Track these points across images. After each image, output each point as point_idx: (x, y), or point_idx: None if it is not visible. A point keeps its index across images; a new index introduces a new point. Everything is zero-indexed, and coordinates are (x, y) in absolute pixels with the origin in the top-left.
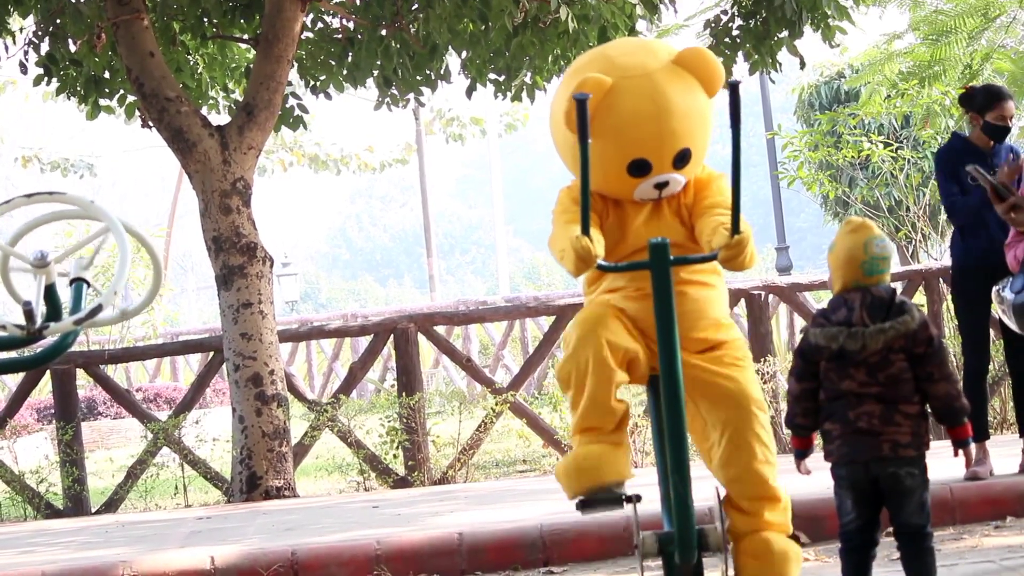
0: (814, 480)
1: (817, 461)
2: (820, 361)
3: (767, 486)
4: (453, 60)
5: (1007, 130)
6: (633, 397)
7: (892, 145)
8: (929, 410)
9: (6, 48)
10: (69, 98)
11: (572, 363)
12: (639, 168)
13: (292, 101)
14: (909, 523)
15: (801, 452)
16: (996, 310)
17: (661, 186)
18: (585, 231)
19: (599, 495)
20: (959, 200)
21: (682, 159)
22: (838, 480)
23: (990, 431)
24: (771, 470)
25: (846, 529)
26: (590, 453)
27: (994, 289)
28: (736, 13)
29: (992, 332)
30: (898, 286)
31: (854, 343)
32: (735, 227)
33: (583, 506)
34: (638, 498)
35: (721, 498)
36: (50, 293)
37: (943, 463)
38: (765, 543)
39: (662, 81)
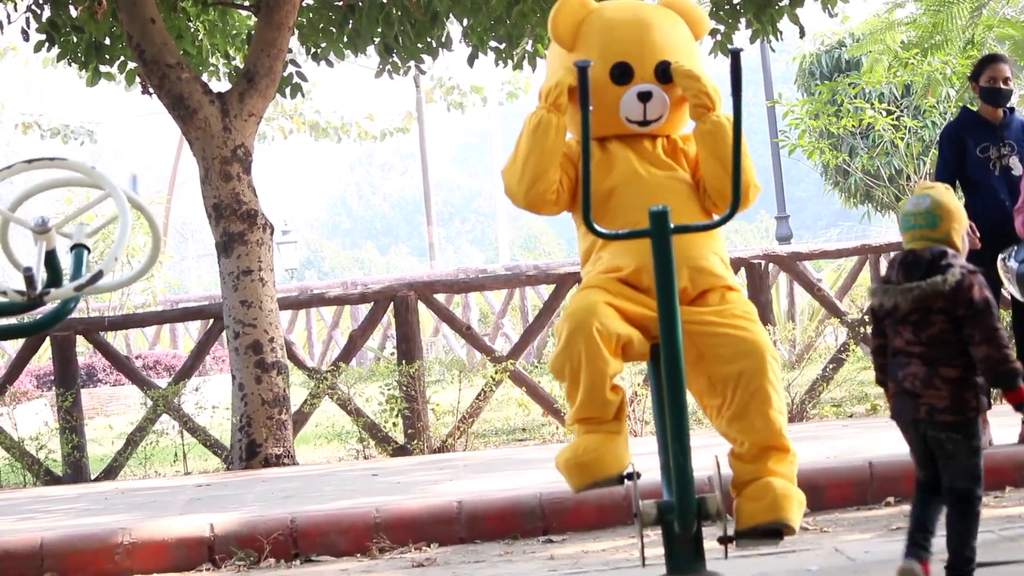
0: (815, 449)
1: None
2: (883, 318)
3: (780, 436)
4: (454, 28)
5: (1000, 92)
6: (633, 366)
7: (893, 114)
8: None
9: (8, 16)
10: (70, 64)
11: (565, 356)
12: (622, 73)
13: (291, 69)
14: (954, 486)
15: None
16: (1002, 279)
17: (644, 97)
18: (586, 195)
19: (605, 483)
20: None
21: (664, 72)
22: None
23: (991, 400)
24: (783, 420)
25: (916, 479)
26: (589, 446)
27: (999, 257)
28: None
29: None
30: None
31: (887, 300)
32: (736, 193)
33: (581, 491)
34: (637, 475)
35: (721, 466)
36: (51, 259)
37: None
38: (766, 485)
39: (646, 5)
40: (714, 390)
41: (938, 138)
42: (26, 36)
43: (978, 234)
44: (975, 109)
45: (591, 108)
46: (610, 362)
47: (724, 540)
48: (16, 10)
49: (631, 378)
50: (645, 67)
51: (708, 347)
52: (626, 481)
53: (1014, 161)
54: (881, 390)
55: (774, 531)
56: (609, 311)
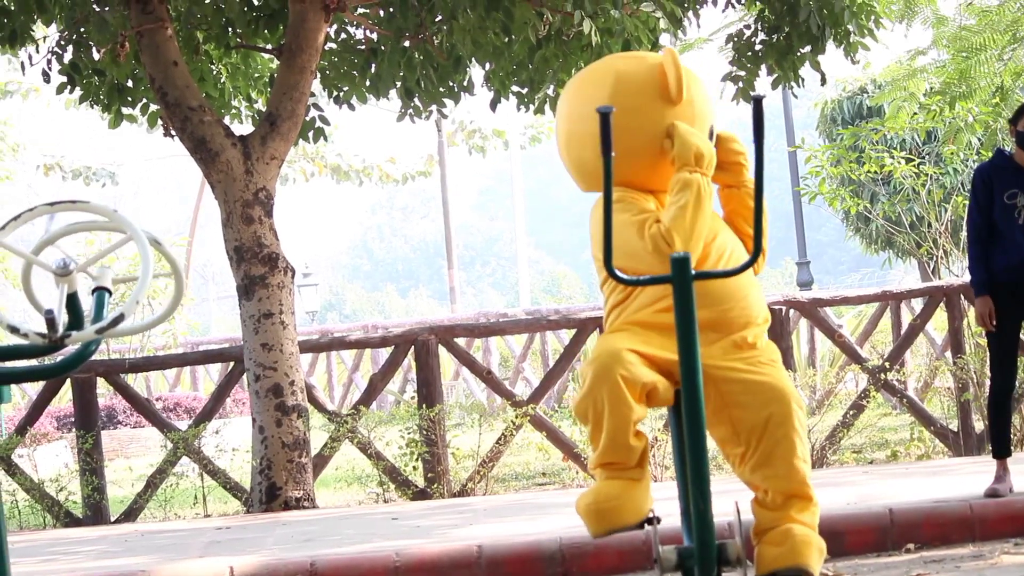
0: (835, 495)
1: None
2: None
3: (804, 484)
4: (476, 72)
5: None
6: (653, 411)
7: (914, 161)
8: None
9: (30, 58)
10: (92, 106)
11: (588, 400)
12: (711, 134)
13: (313, 112)
14: None
15: None
16: None
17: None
18: (608, 244)
19: (625, 530)
20: (970, 227)
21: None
22: None
23: (1012, 448)
24: (807, 468)
25: None
26: (611, 492)
27: None
28: (759, 28)
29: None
30: (919, 302)
31: None
32: (757, 243)
33: (601, 538)
34: (657, 520)
35: (740, 513)
36: (72, 302)
37: (964, 480)
38: (787, 531)
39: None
40: (738, 438)
41: (971, 178)
42: (47, 78)
43: (994, 320)
44: (1009, 152)
45: (613, 154)
46: (634, 408)
47: None
48: (38, 52)
49: (652, 423)
50: (715, 127)
51: (733, 394)
52: (646, 526)
53: None
54: (900, 436)
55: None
56: (634, 357)
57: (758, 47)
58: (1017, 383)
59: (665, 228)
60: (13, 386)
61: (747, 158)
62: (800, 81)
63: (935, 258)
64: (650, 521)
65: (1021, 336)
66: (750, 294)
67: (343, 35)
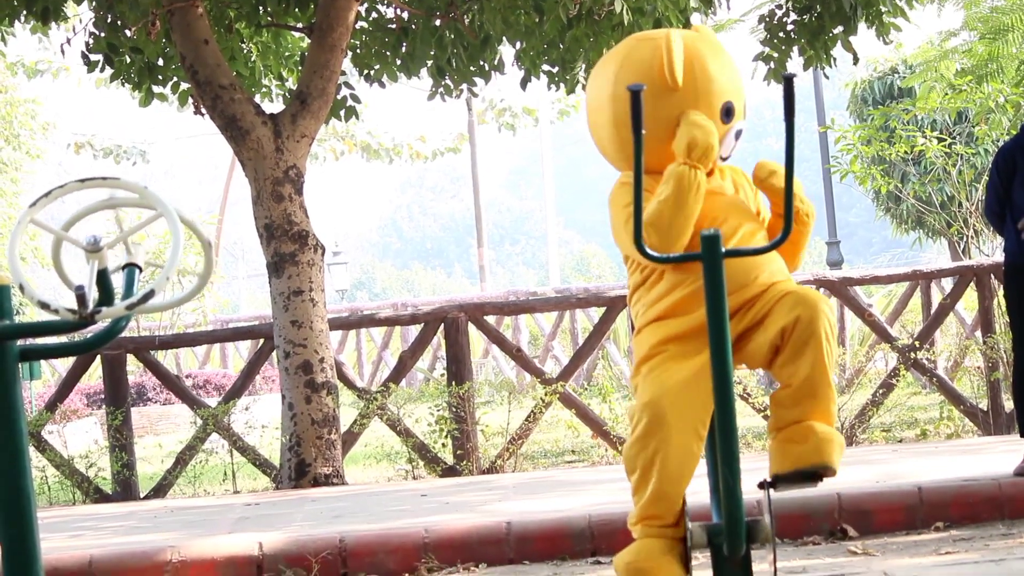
0: (864, 474)
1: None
2: None
3: (826, 386)
4: (507, 51)
5: None
6: None
7: (945, 141)
8: None
9: (68, 40)
10: (123, 85)
11: (638, 449)
12: (727, 112)
13: (344, 91)
14: None
15: None
16: None
17: (738, 135)
18: (638, 221)
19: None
20: (988, 208)
21: (736, 111)
22: None
23: None
24: (831, 369)
25: None
26: (651, 552)
27: None
28: (791, 8)
29: None
30: (948, 282)
31: None
32: (788, 220)
33: None
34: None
35: (770, 491)
36: (102, 278)
37: (993, 459)
38: (808, 428)
39: (716, 40)
40: (771, 342)
41: (994, 156)
42: (86, 59)
43: None
44: None
45: (644, 132)
46: (695, 458)
47: (765, 485)
48: (74, 31)
49: None
50: (740, 105)
51: (766, 316)
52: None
53: None
54: (930, 415)
55: (814, 474)
56: (689, 395)
57: (790, 27)
58: None
59: (644, 222)
60: (44, 363)
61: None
62: (832, 61)
63: (965, 238)
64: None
65: None
66: (774, 279)
67: (374, 14)
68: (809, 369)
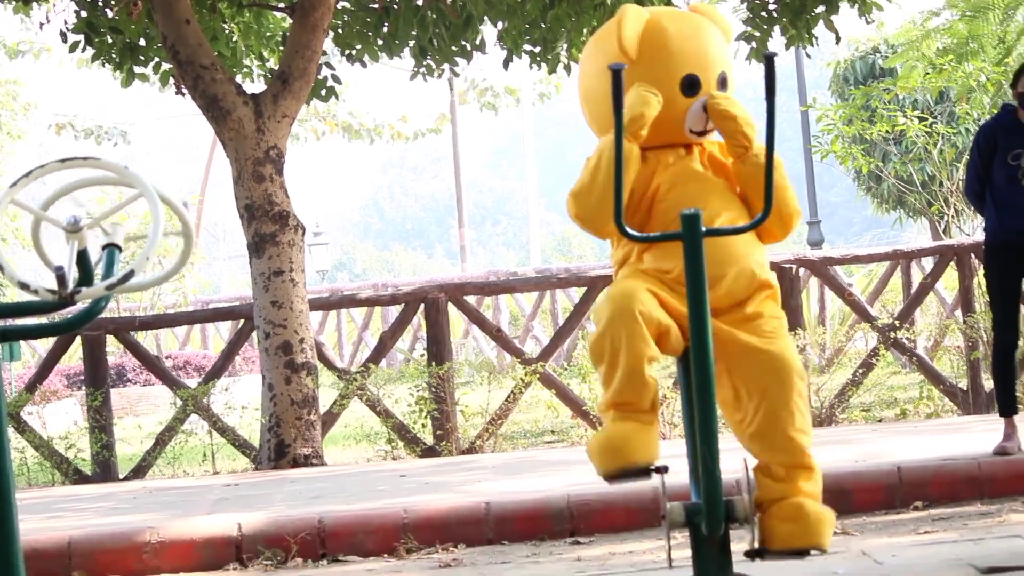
0: (843, 453)
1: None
2: None
3: (804, 455)
4: (489, 31)
5: None
6: (663, 368)
7: (926, 120)
8: None
9: (47, 18)
10: (104, 65)
11: (606, 337)
12: (690, 86)
13: (325, 71)
14: None
15: None
16: None
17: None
18: (618, 199)
19: (634, 473)
20: (968, 187)
21: (723, 83)
22: None
23: (1019, 406)
24: (807, 439)
25: None
26: (622, 432)
27: None
28: None
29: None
30: (929, 261)
31: None
32: (768, 200)
33: (610, 477)
34: (665, 469)
35: (750, 469)
36: (82, 258)
37: (973, 438)
38: (799, 506)
39: (691, 15)
40: (739, 403)
41: (975, 135)
42: (65, 38)
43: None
44: (1014, 107)
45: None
46: (650, 344)
47: (752, 555)
48: (54, 11)
49: (661, 381)
50: (710, 78)
51: (734, 358)
52: (653, 474)
53: None
54: (910, 394)
55: (805, 552)
56: (650, 297)
57: (772, 7)
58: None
59: (569, 192)
60: (23, 343)
61: (746, 136)
62: (814, 41)
63: (946, 217)
64: (659, 470)
65: None
66: (752, 256)
67: None
68: (782, 448)
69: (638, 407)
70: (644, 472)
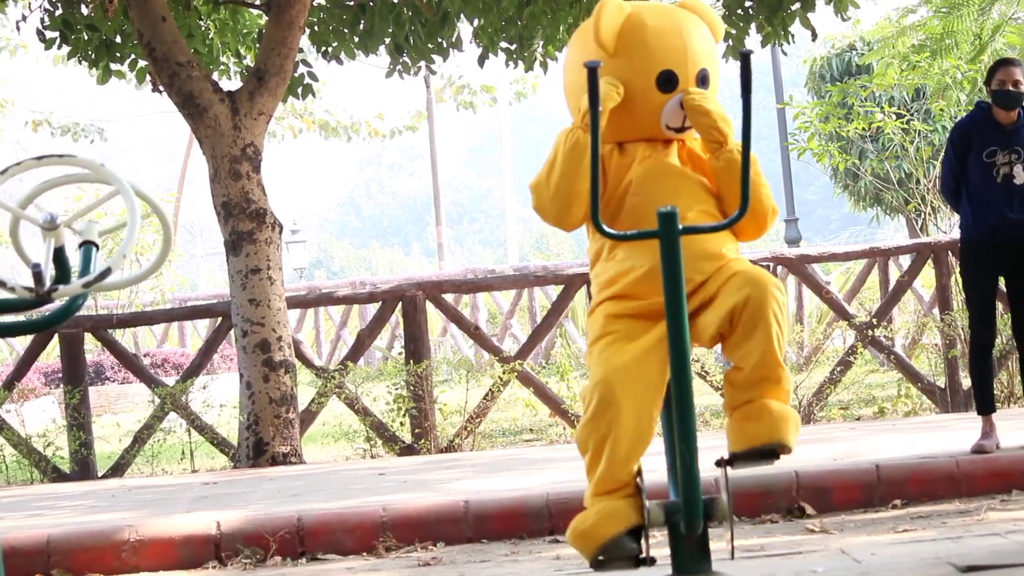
0: (822, 451)
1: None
2: None
3: (777, 367)
4: (465, 28)
5: (1010, 94)
6: None
7: (903, 117)
8: None
9: (23, 15)
10: (80, 62)
11: (590, 429)
12: (667, 82)
13: (302, 68)
14: None
15: None
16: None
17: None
18: (595, 195)
19: (615, 547)
20: (944, 184)
21: (704, 80)
22: None
23: (996, 405)
24: (781, 353)
25: None
26: (603, 508)
27: None
28: None
29: (1000, 306)
30: (906, 259)
31: None
32: (744, 198)
33: (598, 566)
34: (652, 561)
35: (727, 469)
36: (59, 256)
37: (951, 436)
38: (762, 406)
39: (676, 10)
40: (720, 323)
41: (950, 132)
42: (42, 36)
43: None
44: (988, 105)
45: (601, 108)
46: (643, 441)
47: (722, 463)
48: (30, 9)
49: None
50: (688, 75)
51: (715, 295)
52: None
53: (1017, 169)
54: (888, 393)
55: (771, 452)
56: (637, 373)
57: (748, 4)
58: (1000, 339)
59: (529, 186)
60: (1, 341)
61: (720, 131)
62: (790, 38)
63: (923, 215)
64: (644, 562)
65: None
66: (725, 254)
67: None
68: (761, 351)
69: (621, 493)
70: (631, 559)
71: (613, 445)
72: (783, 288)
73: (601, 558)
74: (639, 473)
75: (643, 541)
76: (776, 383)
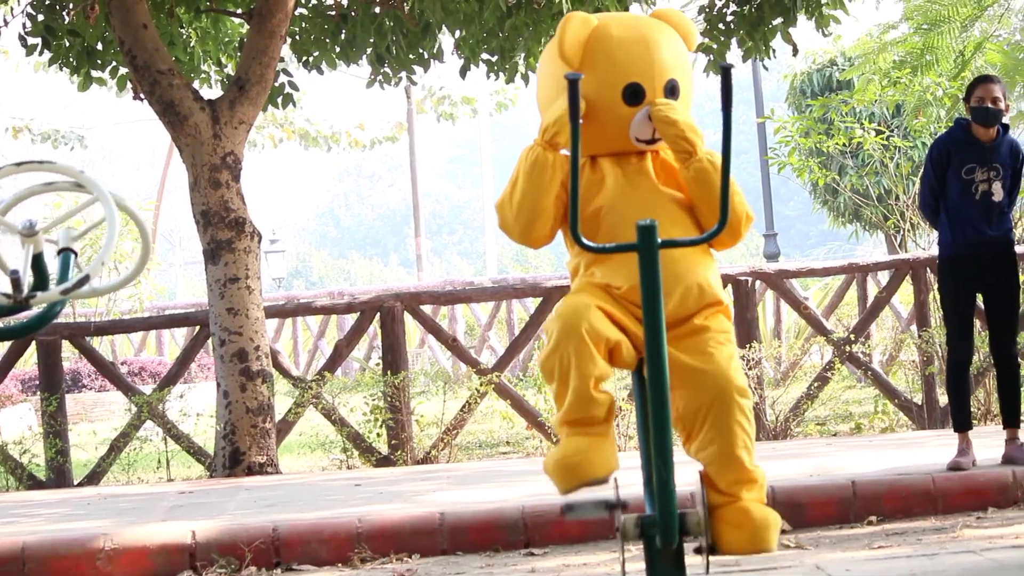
0: (798, 467)
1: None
2: None
3: (745, 470)
4: (446, 39)
5: (988, 111)
6: (618, 381)
7: (883, 133)
8: None
9: (4, 20)
10: (61, 69)
11: (555, 357)
12: (633, 95)
13: (282, 78)
14: None
15: None
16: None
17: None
18: (574, 208)
19: (586, 496)
20: (923, 201)
21: (672, 91)
22: None
23: (973, 422)
24: (749, 455)
25: None
26: (578, 447)
27: None
28: None
29: (977, 323)
30: (885, 275)
31: None
32: (724, 212)
33: (568, 511)
34: (624, 506)
35: (703, 481)
36: (37, 263)
37: (927, 453)
38: (744, 511)
39: (645, 21)
40: (682, 421)
41: (929, 149)
42: (24, 42)
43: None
44: (967, 121)
45: (580, 121)
46: (599, 363)
47: (703, 552)
48: (12, 15)
49: (616, 392)
50: (655, 87)
51: (678, 379)
52: (610, 513)
53: (996, 187)
54: (864, 409)
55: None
56: (599, 314)
57: (730, 18)
58: (977, 357)
59: (495, 203)
60: None
61: (689, 141)
62: (771, 53)
63: (902, 231)
64: (614, 506)
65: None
66: (700, 273)
67: (313, 0)
68: (726, 464)
69: (592, 422)
70: (601, 507)
71: (579, 365)
72: (748, 391)
73: (571, 504)
74: (610, 410)
75: (615, 489)
76: (752, 483)
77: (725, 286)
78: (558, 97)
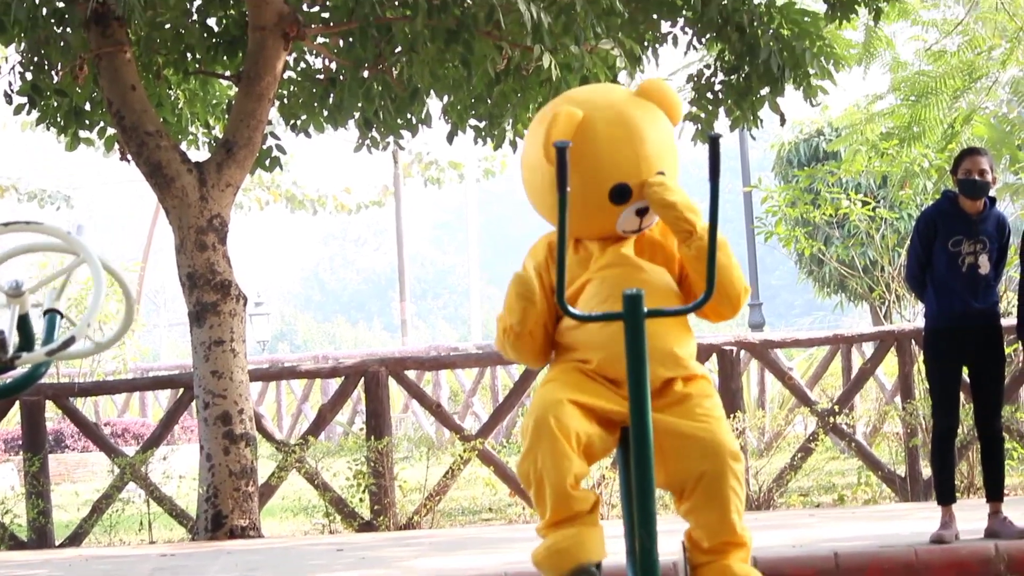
0: (780, 538)
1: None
2: None
3: (735, 534)
4: (434, 104)
5: (976, 184)
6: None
7: (869, 204)
8: None
9: None
10: (48, 128)
11: (529, 460)
12: (620, 195)
13: (270, 141)
14: None
15: None
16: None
17: (642, 212)
18: (560, 278)
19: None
20: (909, 273)
21: (643, 185)
22: None
23: (956, 495)
24: (740, 519)
25: None
26: (566, 534)
27: None
28: (719, 68)
29: (962, 395)
30: (869, 346)
31: None
32: (710, 282)
33: None
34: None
35: (687, 551)
36: (23, 323)
37: (910, 525)
38: (727, 568)
39: (630, 109)
40: (673, 485)
41: (916, 221)
42: (9, 99)
43: None
44: (955, 194)
45: (568, 190)
46: (575, 461)
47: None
48: (0, 73)
49: (600, 462)
50: (638, 184)
51: (670, 445)
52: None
53: (983, 259)
54: (848, 480)
55: None
56: (571, 409)
57: (718, 88)
58: (961, 429)
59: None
60: None
61: (688, 221)
62: (759, 122)
63: (887, 303)
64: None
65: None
66: (674, 344)
67: (302, 64)
68: (717, 528)
69: (577, 517)
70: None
71: (555, 470)
72: (740, 455)
73: None
74: (595, 504)
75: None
76: (739, 545)
77: (710, 355)
78: (545, 190)
